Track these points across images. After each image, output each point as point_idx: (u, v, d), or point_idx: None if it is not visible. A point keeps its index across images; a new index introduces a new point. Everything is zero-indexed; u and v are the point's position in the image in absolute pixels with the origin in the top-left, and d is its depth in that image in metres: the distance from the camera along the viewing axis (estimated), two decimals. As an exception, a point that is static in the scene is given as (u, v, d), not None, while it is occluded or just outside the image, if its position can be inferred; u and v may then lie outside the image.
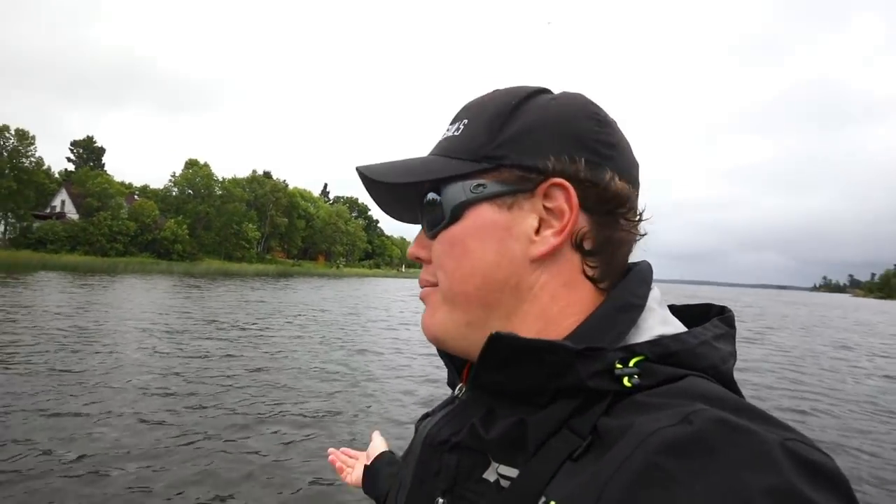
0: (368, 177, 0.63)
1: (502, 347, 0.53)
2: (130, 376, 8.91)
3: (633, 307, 0.57)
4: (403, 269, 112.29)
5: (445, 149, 0.64)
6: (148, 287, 29.60)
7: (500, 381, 0.55)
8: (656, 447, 0.40)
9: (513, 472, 0.51)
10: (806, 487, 0.37)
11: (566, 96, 0.63)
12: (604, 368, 0.50)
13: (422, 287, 0.67)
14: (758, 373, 12.05)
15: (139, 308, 18.86)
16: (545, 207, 0.59)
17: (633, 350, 0.51)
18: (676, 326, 0.57)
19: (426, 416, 0.71)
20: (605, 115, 0.62)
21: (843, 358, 15.96)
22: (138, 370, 9.38)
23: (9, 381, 8.13)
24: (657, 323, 0.56)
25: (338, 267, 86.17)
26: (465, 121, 0.64)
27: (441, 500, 0.56)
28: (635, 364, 0.50)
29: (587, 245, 0.59)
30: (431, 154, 0.66)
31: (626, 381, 0.49)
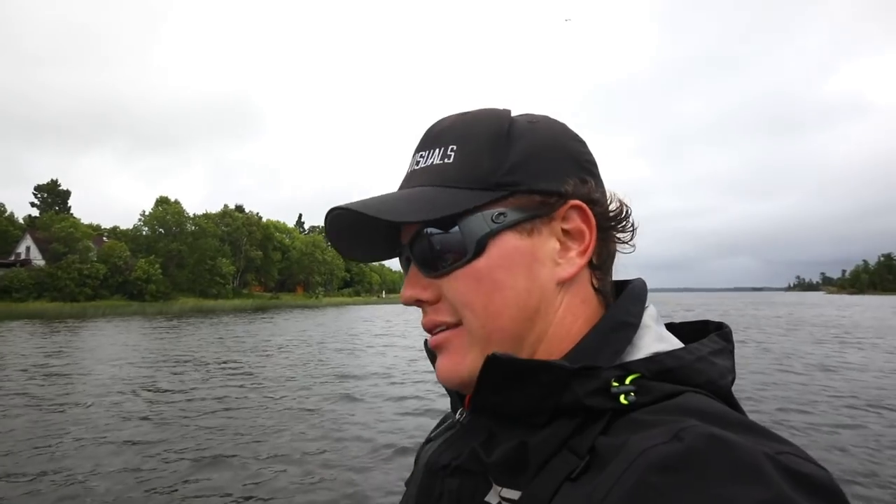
0: (367, 214, 0.57)
1: (499, 368, 0.54)
2: (103, 421, 8.52)
3: (628, 325, 0.58)
4: (384, 295, 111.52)
5: (441, 178, 0.60)
6: (119, 330, 28.68)
7: (499, 402, 0.56)
8: (647, 465, 0.41)
9: (515, 495, 0.51)
10: (798, 500, 0.37)
11: (542, 119, 0.65)
12: (600, 387, 0.51)
13: (430, 331, 0.63)
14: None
15: (109, 352, 18.12)
16: (563, 230, 0.61)
17: (628, 368, 0.52)
18: (672, 343, 0.58)
19: (428, 441, 0.70)
20: (579, 135, 0.65)
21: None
22: (111, 416, 8.94)
23: None
24: (652, 340, 0.57)
25: (317, 297, 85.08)
26: (453, 147, 0.61)
27: None
28: (631, 381, 0.51)
29: (594, 260, 0.62)
30: (419, 185, 0.61)
31: (622, 398, 0.50)
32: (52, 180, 70.58)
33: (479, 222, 0.58)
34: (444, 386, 0.66)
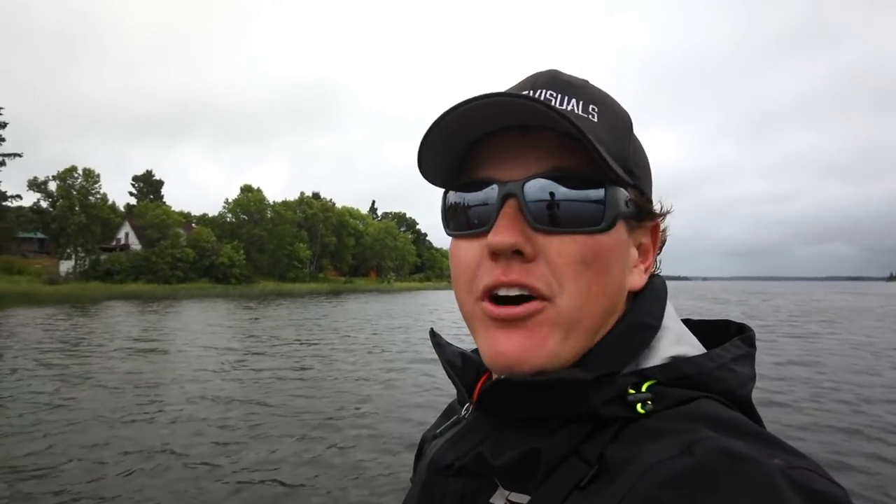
0: (568, 122, 0.48)
1: (516, 385, 0.52)
2: (199, 390, 9.45)
3: (648, 328, 0.55)
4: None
5: (594, 134, 0.52)
6: (208, 310, 30.53)
7: (512, 406, 0.53)
8: (657, 481, 0.40)
9: (523, 499, 0.50)
10: None
11: None
12: (616, 395, 0.49)
13: (510, 292, 0.52)
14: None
15: (202, 330, 19.44)
16: (640, 242, 0.60)
17: (644, 374, 0.50)
18: (692, 344, 0.56)
19: (434, 436, 0.67)
20: None
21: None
22: (206, 385, 9.88)
23: (95, 396, 8.88)
24: (670, 343, 0.55)
25: (388, 282, 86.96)
26: (594, 107, 0.56)
27: None
28: (647, 388, 0.49)
29: None
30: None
31: (639, 407, 0.48)
32: (147, 171, 76.18)
33: (621, 197, 0.54)
34: (457, 361, 0.63)
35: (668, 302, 0.60)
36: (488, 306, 0.54)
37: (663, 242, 0.65)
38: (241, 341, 16.46)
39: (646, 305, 0.57)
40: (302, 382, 10.34)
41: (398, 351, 14.68)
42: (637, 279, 0.58)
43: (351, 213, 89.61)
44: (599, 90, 0.59)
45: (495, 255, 0.52)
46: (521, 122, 0.52)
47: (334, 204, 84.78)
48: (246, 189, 70.12)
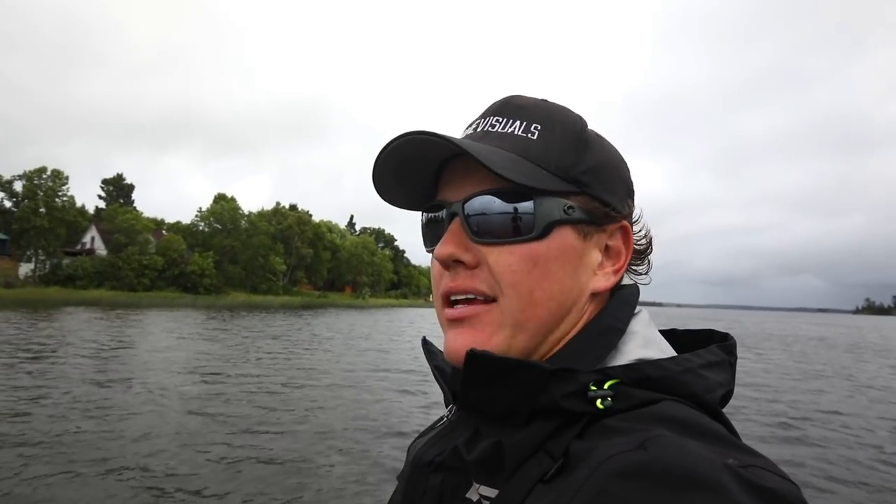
0: (464, 150, 0.54)
1: (481, 364, 0.54)
2: (157, 401, 9.07)
3: (613, 330, 0.58)
4: (431, 300, 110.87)
5: (523, 150, 0.59)
6: (169, 320, 29.28)
7: (483, 400, 0.56)
8: (609, 473, 0.41)
9: (493, 493, 0.52)
10: None
11: (603, 137, 0.65)
12: (577, 390, 0.51)
13: (457, 297, 0.60)
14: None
15: (157, 338, 18.40)
16: (606, 245, 0.62)
17: (607, 373, 0.52)
18: (661, 349, 0.58)
19: (420, 435, 0.70)
20: None
21: None
22: (165, 397, 9.46)
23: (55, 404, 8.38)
24: (637, 346, 0.57)
25: (363, 298, 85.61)
26: (537, 125, 0.60)
27: None
28: (609, 387, 0.51)
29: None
30: (502, 148, 0.59)
31: (598, 403, 0.50)
32: (117, 174, 73.91)
33: (554, 206, 0.57)
34: (446, 367, 0.67)
35: (642, 309, 0.63)
36: (446, 310, 0.61)
37: (648, 245, 0.67)
38: (191, 350, 15.46)
39: (613, 309, 0.60)
40: (256, 397, 9.69)
41: (359, 369, 13.85)
42: (602, 281, 0.61)
43: (328, 226, 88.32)
44: (551, 107, 0.63)
45: (445, 265, 0.60)
46: (430, 153, 0.60)
47: (311, 216, 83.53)
48: (220, 198, 68.52)
